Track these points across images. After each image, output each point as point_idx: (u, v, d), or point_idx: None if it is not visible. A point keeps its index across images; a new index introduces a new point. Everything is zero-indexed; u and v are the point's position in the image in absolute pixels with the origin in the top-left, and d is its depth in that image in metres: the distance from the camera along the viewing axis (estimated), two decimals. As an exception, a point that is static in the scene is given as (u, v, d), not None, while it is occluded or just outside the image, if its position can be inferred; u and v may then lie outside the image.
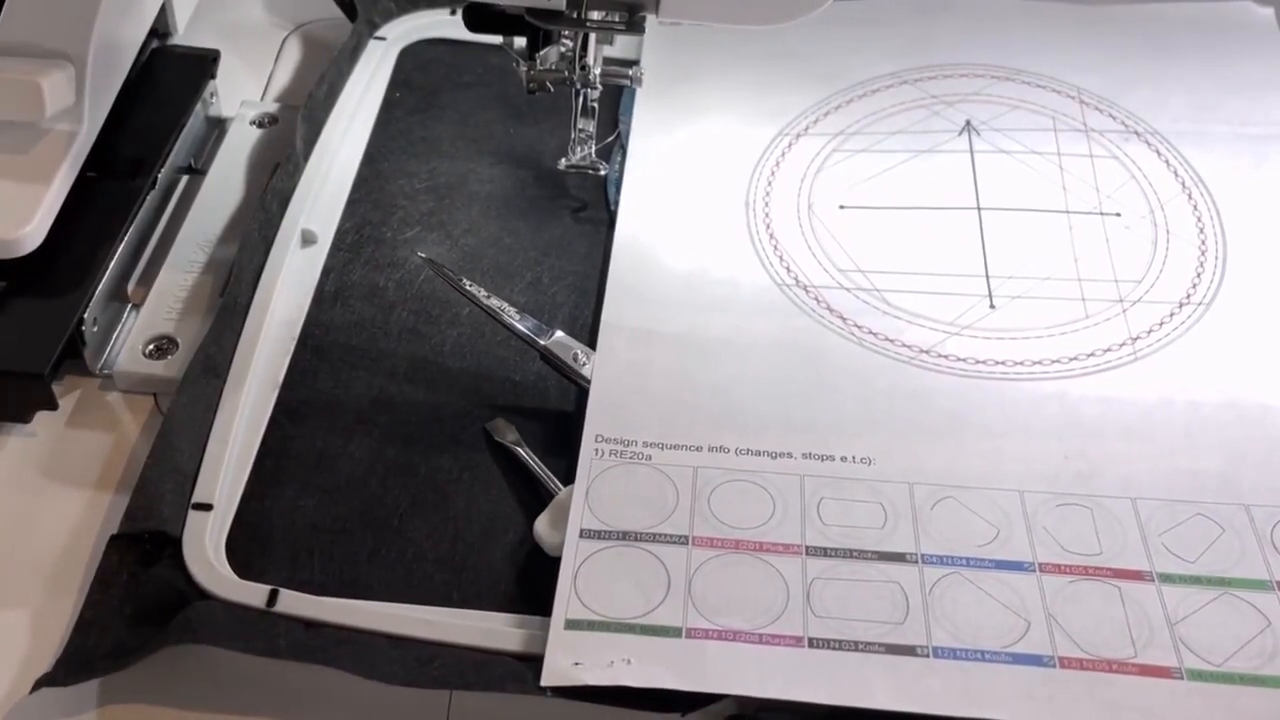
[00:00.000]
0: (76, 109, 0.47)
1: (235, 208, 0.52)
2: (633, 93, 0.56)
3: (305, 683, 0.36)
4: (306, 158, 0.52)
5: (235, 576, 0.38)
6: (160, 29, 0.56)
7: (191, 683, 0.36)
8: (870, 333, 0.46)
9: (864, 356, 0.45)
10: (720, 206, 0.51)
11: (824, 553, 0.38)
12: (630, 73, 0.49)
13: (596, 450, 0.41)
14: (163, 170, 0.51)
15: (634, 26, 0.43)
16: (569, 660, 0.35)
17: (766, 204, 0.51)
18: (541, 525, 0.40)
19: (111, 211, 0.48)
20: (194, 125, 0.54)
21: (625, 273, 0.48)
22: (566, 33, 0.46)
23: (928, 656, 0.36)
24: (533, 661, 0.36)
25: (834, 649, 0.36)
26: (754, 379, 0.44)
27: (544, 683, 0.35)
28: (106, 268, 0.46)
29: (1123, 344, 0.45)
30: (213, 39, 0.57)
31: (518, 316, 0.45)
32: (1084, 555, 0.38)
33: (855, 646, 0.36)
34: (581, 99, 0.49)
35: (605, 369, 0.44)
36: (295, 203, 0.50)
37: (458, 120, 0.56)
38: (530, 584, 0.39)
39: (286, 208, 0.50)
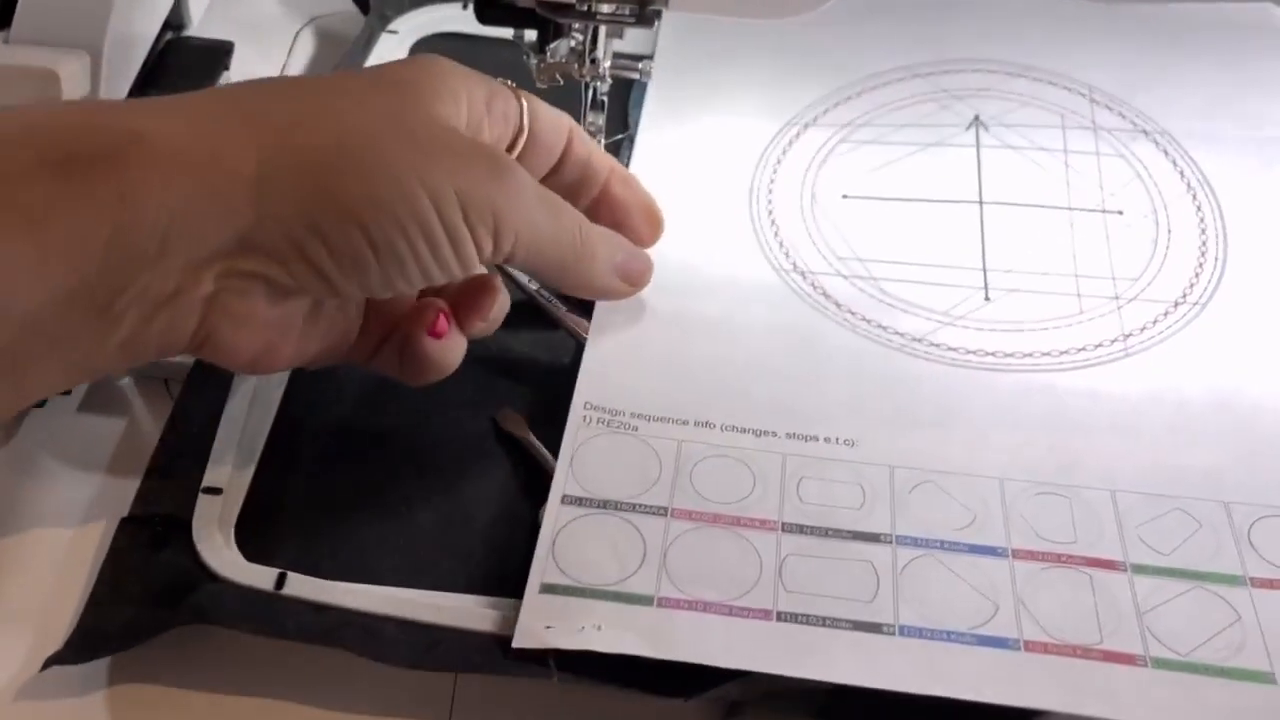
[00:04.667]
0: (92, 99, 0.48)
1: (247, 198, 0.52)
2: (643, 87, 0.56)
3: (312, 664, 0.37)
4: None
5: (244, 560, 0.38)
6: (175, 21, 0.56)
7: (200, 663, 0.37)
8: (863, 319, 0.46)
9: (856, 343, 0.45)
10: (724, 193, 0.52)
11: (800, 529, 0.39)
12: (640, 67, 0.50)
13: (585, 418, 0.42)
14: (176, 160, 0.52)
15: (644, 20, 0.43)
16: (541, 624, 0.36)
17: (770, 192, 0.52)
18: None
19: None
20: (208, 116, 0.55)
21: None
22: (577, 26, 0.46)
23: (894, 634, 0.36)
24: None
25: (801, 623, 0.36)
26: (745, 360, 0.44)
27: (515, 644, 0.35)
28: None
29: (1115, 340, 0.45)
30: (227, 31, 0.58)
31: (564, 308, 0.46)
32: (1058, 543, 0.38)
33: (822, 622, 0.36)
34: (591, 93, 0.49)
35: (599, 339, 0.45)
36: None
37: (469, 114, 0.56)
38: (536, 570, 0.39)
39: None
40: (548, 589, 0.37)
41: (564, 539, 0.38)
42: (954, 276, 0.48)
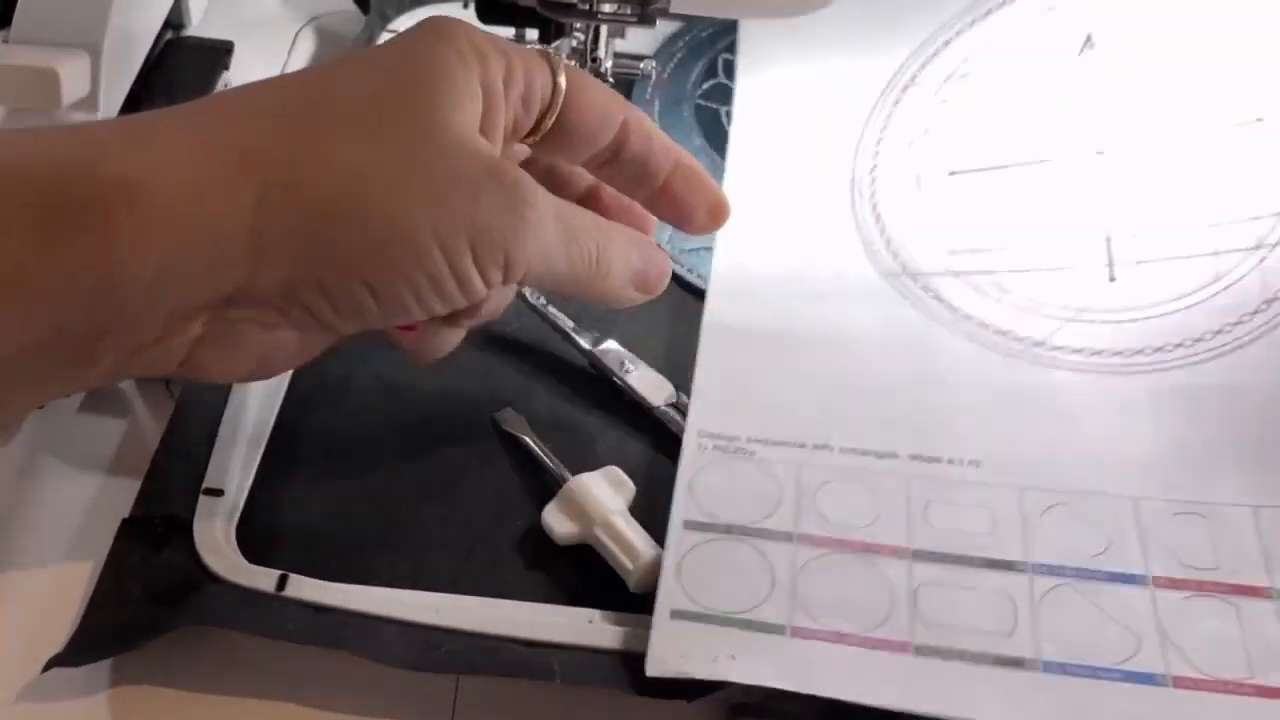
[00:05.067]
0: (92, 98, 0.48)
1: (248, 198, 0.52)
2: (644, 88, 0.56)
3: (313, 666, 0.36)
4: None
5: (245, 561, 0.38)
6: (175, 20, 0.56)
7: (201, 665, 0.37)
8: (980, 324, 0.43)
9: (974, 352, 0.43)
10: (824, 190, 0.48)
11: (931, 557, 0.37)
12: (641, 67, 0.49)
13: (700, 445, 0.41)
14: (176, 160, 0.51)
15: (646, 19, 0.43)
16: (675, 652, 0.35)
17: (873, 181, 0.48)
18: (550, 515, 0.40)
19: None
20: (208, 116, 0.55)
21: (727, 267, 0.46)
22: (578, 25, 0.46)
23: (1037, 670, 0.34)
24: (538, 648, 0.36)
25: (941, 658, 0.35)
26: (860, 375, 0.42)
27: (650, 673, 0.34)
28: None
29: (1256, 310, 0.40)
30: (227, 31, 0.58)
31: (571, 324, 0.46)
32: (1200, 569, 0.36)
33: (963, 656, 0.35)
34: (593, 92, 0.49)
35: (708, 366, 0.43)
36: (307, 193, 0.50)
37: (469, 113, 0.56)
38: (537, 572, 0.39)
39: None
40: (678, 614, 0.36)
41: (689, 565, 0.37)
42: (1075, 252, 0.44)
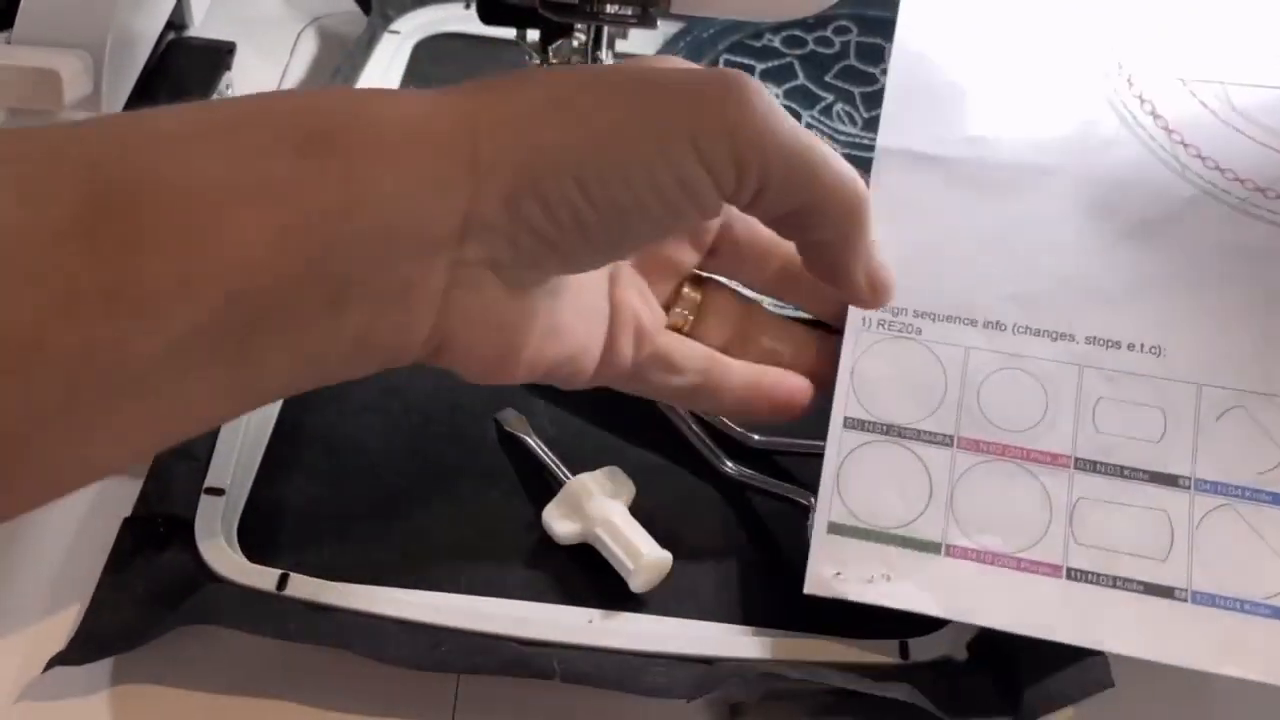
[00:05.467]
0: (94, 99, 0.48)
1: (250, 198, 0.52)
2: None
3: (314, 665, 0.37)
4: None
5: (246, 560, 0.38)
6: (177, 21, 0.56)
7: (202, 664, 0.37)
8: (1198, 155, 0.39)
9: (1181, 199, 0.38)
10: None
11: (1093, 468, 0.35)
12: (642, 67, 0.49)
13: (864, 320, 0.38)
14: (178, 160, 0.52)
15: (647, 20, 0.43)
16: (831, 570, 0.34)
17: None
18: (550, 514, 0.40)
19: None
20: (210, 116, 0.55)
21: (906, 75, 0.41)
22: (580, 26, 0.46)
23: (1185, 601, 0.33)
24: (538, 647, 0.36)
25: (1091, 583, 0.34)
26: (1046, 228, 0.38)
27: (807, 590, 0.34)
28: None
29: None
30: (229, 31, 0.58)
31: None
32: None
33: (1113, 583, 0.34)
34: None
35: (879, 212, 0.37)
36: (309, 193, 0.50)
37: (471, 114, 0.56)
38: (538, 572, 0.39)
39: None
40: (835, 529, 0.35)
41: (848, 470, 0.36)
42: None
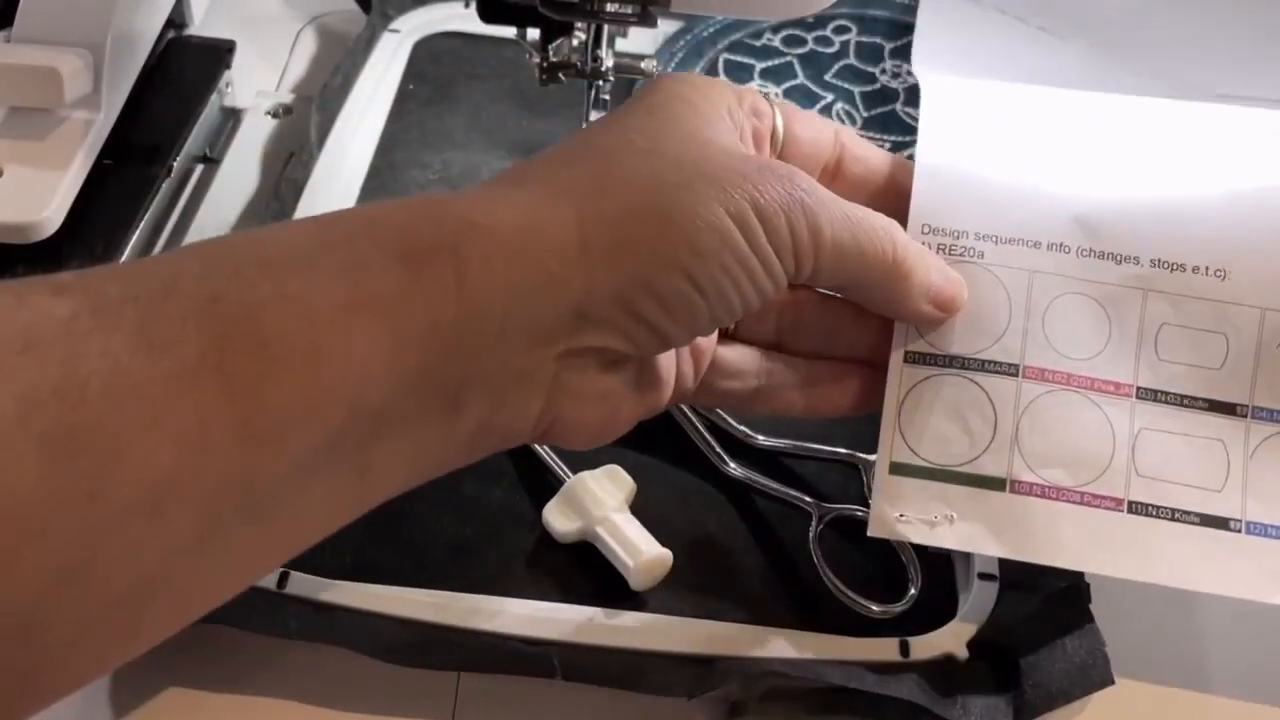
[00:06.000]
0: (94, 97, 0.48)
1: (250, 196, 0.52)
2: (645, 87, 0.56)
3: (314, 663, 0.37)
4: (320, 148, 0.52)
5: (246, 559, 0.38)
6: (176, 19, 0.56)
7: (203, 662, 0.37)
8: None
9: (1245, 120, 0.37)
10: None
11: (1155, 396, 0.35)
12: (643, 66, 0.49)
13: (924, 245, 0.36)
14: (178, 159, 0.52)
15: (647, 19, 0.43)
16: (894, 511, 0.34)
17: None
18: (550, 512, 0.40)
19: (127, 199, 0.49)
20: (209, 115, 0.55)
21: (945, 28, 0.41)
22: (580, 25, 0.46)
23: (1240, 532, 0.33)
24: (538, 645, 0.36)
25: (1150, 515, 0.34)
26: (1108, 150, 0.37)
27: (870, 533, 0.34)
28: (122, 254, 0.47)
29: None
30: (229, 30, 0.58)
31: None
32: None
33: (1171, 515, 0.34)
34: (594, 91, 0.49)
35: (931, 148, 0.37)
36: (309, 192, 0.50)
37: (471, 112, 0.56)
38: (538, 570, 0.39)
39: (300, 197, 0.50)
40: (897, 469, 0.35)
41: (910, 407, 0.35)
42: None
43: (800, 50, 0.62)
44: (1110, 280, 0.36)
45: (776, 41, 0.62)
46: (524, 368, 0.30)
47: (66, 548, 0.23)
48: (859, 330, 0.37)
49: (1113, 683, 0.36)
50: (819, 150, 0.37)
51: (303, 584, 0.37)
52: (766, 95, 0.36)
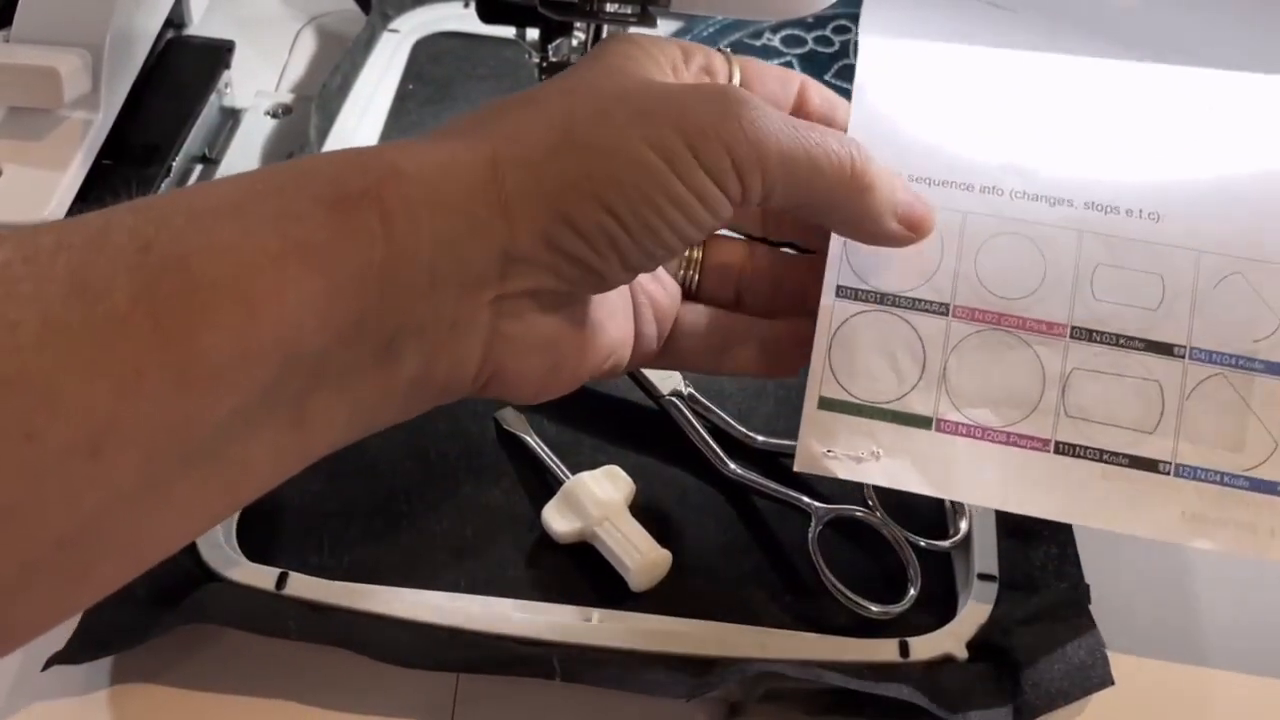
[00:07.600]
0: (93, 97, 0.48)
1: (249, 197, 0.52)
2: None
3: (314, 664, 0.36)
4: (320, 148, 0.52)
5: (246, 559, 0.38)
6: (176, 19, 0.56)
7: (201, 663, 0.37)
8: None
9: (1177, 68, 0.38)
10: None
11: (1090, 336, 0.35)
12: (642, 66, 0.49)
13: None
14: (177, 159, 0.52)
15: (646, 18, 0.43)
16: (821, 446, 0.34)
17: None
18: (550, 513, 0.40)
19: (126, 199, 0.48)
20: (209, 115, 0.55)
21: None
22: (579, 25, 0.46)
23: (1169, 474, 0.33)
24: (538, 646, 0.36)
25: (1077, 456, 0.34)
26: (1049, 99, 0.37)
27: (796, 469, 0.34)
28: (121, 254, 0.47)
29: None
30: (228, 30, 0.58)
31: None
32: None
33: (1100, 456, 0.34)
34: (593, 91, 0.49)
35: (868, 85, 0.37)
36: (308, 192, 0.50)
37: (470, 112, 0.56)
38: (538, 571, 0.39)
39: (300, 197, 0.50)
40: (826, 404, 0.35)
41: (840, 343, 0.35)
42: None
43: (800, 50, 0.62)
44: (1045, 221, 0.36)
45: (776, 41, 0.62)
46: (457, 316, 0.29)
47: (4, 485, 0.23)
48: (818, 287, 0.37)
49: (1112, 683, 0.36)
50: (784, 96, 0.37)
51: (302, 585, 0.37)
52: (724, 52, 0.36)
